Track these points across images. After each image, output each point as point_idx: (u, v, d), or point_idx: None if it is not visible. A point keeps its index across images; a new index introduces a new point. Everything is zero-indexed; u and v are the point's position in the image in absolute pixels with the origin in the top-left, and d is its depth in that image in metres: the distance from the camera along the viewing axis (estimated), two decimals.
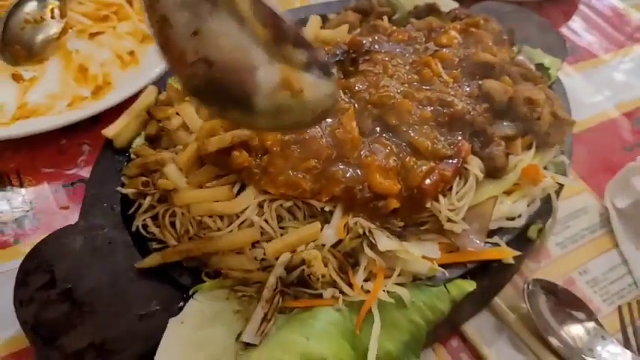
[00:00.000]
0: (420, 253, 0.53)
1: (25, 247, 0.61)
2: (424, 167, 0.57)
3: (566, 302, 0.64)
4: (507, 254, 0.57)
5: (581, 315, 0.63)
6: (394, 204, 0.54)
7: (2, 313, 0.54)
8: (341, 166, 0.55)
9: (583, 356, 0.60)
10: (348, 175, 0.54)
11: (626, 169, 0.76)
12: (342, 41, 0.65)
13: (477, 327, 0.63)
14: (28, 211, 0.64)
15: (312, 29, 0.73)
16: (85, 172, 0.68)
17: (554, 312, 0.62)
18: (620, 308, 0.66)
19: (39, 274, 0.52)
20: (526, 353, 0.62)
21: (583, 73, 0.95)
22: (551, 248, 0.71)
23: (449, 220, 0.55)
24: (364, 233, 0.53)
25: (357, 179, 0.54)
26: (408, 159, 0.57)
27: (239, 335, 0.49)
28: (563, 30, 1.00)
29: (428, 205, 0.56)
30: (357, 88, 0.60)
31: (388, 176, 0.55)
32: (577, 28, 1.03)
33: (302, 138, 0.54)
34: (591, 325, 0.63)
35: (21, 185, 0.66)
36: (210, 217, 0.54)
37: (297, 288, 0.52)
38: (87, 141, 0.71)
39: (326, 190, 0.54)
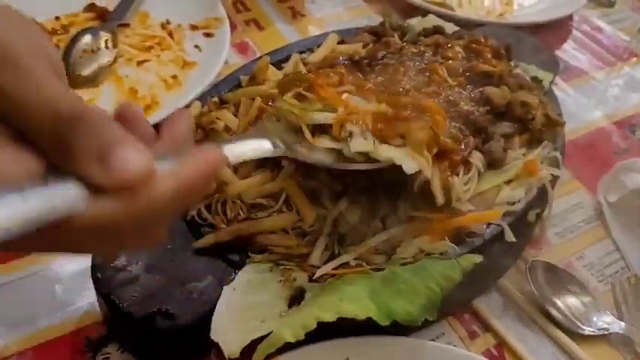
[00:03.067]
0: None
1: None
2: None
3: (565, 279, 0.72)
4: (495, 215, 0.66)
5: (577, 290, 0.72)
6: None
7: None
8: None
9: (580, 324, 0.69)
10: None
11: (616, 167, 0.85)
12: (357, 53, 0.76)
13: (487, 304, 0.71)
14: None
15: (329, 45, 0.83)
16: None
17: (554, 287, 0.71)
18: (612, 285, 0.74)
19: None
20: (530, 325, 0.70)
21: (576, 88, 1.05)
22: (550, 237, 0.80)
23: (457, 199, 0.64)
24: None
25: None
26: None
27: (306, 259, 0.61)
28: (558, 52, 1.10)
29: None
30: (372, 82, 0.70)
31: None
32: (570, 50, 1.14)
33: None
34: (587, 298, 0.71)
35: None
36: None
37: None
38: None
39: None
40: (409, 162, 0.58)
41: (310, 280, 0.61)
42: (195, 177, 0.38)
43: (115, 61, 0.91)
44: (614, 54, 1.14)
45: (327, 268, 0.62)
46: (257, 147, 0.52)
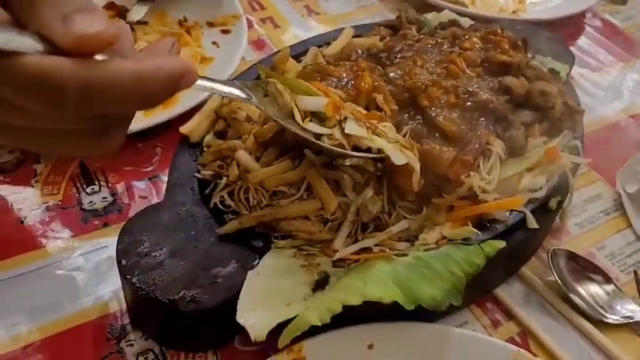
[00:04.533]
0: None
1: (113, 230, 0.71)
2: (447, 155, 0.65)
3: (586, 268, 0.72)
4: (518, 202, 0.66)
5: (600, 279, 0.71)
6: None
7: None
8: None
9: (603, 312, 0.68)
10: None
11: (633, 159, 0.85)
12: (374, 46, 0.77)
13: (509, 292, 0.71)
14: (113, 201, 0.75)
15: (345, 37, 0.84)
16: (159, 169, 0.79)
17: (576, 275, 0.71)
18: (635, 272, 0.74)
19: (134, 240, 0.62)
20: (552, 313, 0.69)
21: (591, 82, 1.05)
22: (571, 228, 0.80)
23: (483, 190, 0.65)
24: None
25: None
26: (432, 147, 0.66)
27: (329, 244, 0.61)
28: (572, 48, 1.10)
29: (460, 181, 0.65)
30: (392, 75, 0.71)
31: None
32: (584, 46, 1.14)
33: None
34: (610, 287, 0.71)
35: (106, 181, 0.77)
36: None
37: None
38: (159, 144, 0.82)
39: None
40: (398, 154, 0.59)
41: (334, 265, 0.61)
42: (155, 72, 0.37)
43: None
44: (628, 50, 1.14)
45: (349, 250, 0.62)
46: (231, 91, 0.53)
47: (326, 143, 0.57)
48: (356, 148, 0.59)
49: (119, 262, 0.60)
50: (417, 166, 0.60)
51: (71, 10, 0.34)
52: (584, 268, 0.72)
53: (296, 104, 0.57)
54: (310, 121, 0.57)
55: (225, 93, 0.52)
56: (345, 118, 0.58)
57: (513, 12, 1.16)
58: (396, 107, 0.66)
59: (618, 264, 0.76)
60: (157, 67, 0.38)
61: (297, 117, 0.57)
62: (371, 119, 0.60)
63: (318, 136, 0.57)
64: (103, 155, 0.43)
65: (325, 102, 0.58)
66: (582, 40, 1.15)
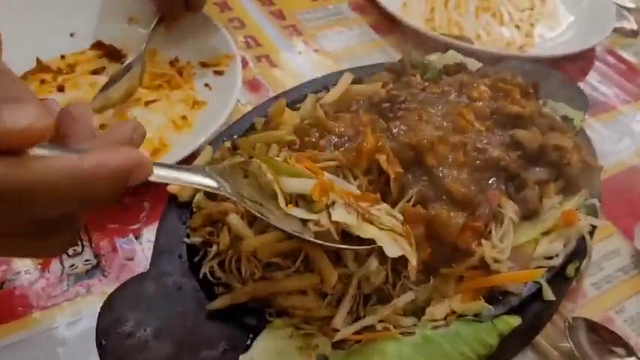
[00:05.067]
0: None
1: (97, 298, 0.66)
2: (456, 220, 0.61)
3: (606, 338, 0.66)
4: (535, 275, 0.61)
5: (621, 351, 0.66)
6: None
7: None
8: None
9: None
10: None
11: None
12: (377, 94, 0.72)
13: None
14: (97, 263, 0.70)
15: (343, 84, 0.79)
16: (147, 226, 0.74)
17: (595, 347, 0.65)
18: None
19: (116, 318, 0.57)
20: None
21: (603, 124, 1.00)
22: (587, 289, 0.74)
23: (495, 260, 0.59)
24: None
25: None
26: (440, 212, 0.61)
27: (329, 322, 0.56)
28: (581, 85, 1.05)
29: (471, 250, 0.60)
30: (395, 131, 0.66)
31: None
32: (594, 83, 1.09)
33: None
34: None
35: (89, 240, 0.72)
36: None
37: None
38: (147, 198, 0.77)
39: None
40: (392, 246, 0.54)
41: (334, 346, 0.56)
42: (96, 169, 0.35)
43: (124, 100, 0.87)
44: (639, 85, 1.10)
45: (350, 330, 0.57)
46: (200, 181, 0.48)
47: (312, 230, 0.52)
48: (346, 233, 0.54)
49: (99, 345, 0.55)
50: (413, 258, 0.55)
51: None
52: (605, 339, 0.66)
53: (279, 186, 0.53)
54: (296, 204, 0.53)
55: (192, 183, 0.47)
56: (334, 203, 0.53)
57: (520, 47, 1.11)
58: (401, 170, 0.61)
59: (638, 330, 0.71)
60: (99, 163, 0.35)
61: (281, 201, 0.52)
62: (364, 201, 0.55)
63: (305, 221, 0.53)
64: (49, 257, 0.40)
65: (312, 184, 0.54)
66: (592, 77, 1.11)
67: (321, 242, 0.53)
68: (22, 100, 0.33)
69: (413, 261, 0.55)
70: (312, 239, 0.52)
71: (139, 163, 0.37)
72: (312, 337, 0.56)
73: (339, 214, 0.53)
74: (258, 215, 0.51)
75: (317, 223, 0.52)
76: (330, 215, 0.52)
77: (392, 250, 0.53)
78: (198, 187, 0.50)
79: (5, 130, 0.31)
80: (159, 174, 0.42)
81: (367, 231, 0.53)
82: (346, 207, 0.53)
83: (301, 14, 1.16)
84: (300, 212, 0.53)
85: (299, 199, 0.54)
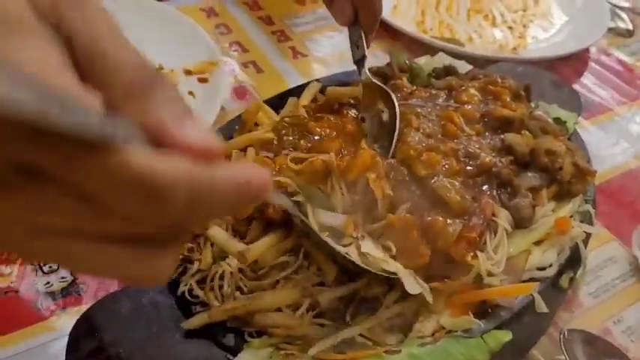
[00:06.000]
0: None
1: (72, 314, 0.64)
2: (452, 228, 0.59)
3: (603, 351, 0.64)
4: (527, 289, 0.58)
5: None
6: None
7: None
8: None
9: None
10: None
11: None
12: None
13: None
14: (73, 281, 0.67)
15: (308, 94, 0.77)
16: None
17: None
18: None
19: (88, 339, 0.54)
20: None
21: (599, 126, 0.98)
22: (583, 298, 0.72)
23: (489, 274, 0.57)
24: None
25: None
26: (436, 220, 0.59)
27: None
28: (576, 86, 1.03)
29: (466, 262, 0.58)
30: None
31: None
32: (589, 84, 1.07)
33: None
34: None
35: None
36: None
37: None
38: None
39: None
40: (413, 283, 0.56)
41: None
42: (247, 183, 0.32)
43: None
44: (637, 87, 1.07)
45: (325, 345, 0.54)
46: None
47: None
48: None
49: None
50: (429, 297, 0.56)
51: (181, 113, 0.30)
52: (602, 351, 0.64)
53: (314, 219, 0.56)
54: (327, 235, 0.56)
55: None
56: (363, 236, 0.57)
57: (514, 49, 1.09)
58: (390, 192, 0.58)
59: (637, 340, 0.68)
60: (249, 178, 0.32)
61: (315, 229, 0.55)
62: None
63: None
64: (152, 281, 0.34)
65: (344, 220, 0.57)
66: (587, 78, 1.08)
67: (356, 262, 0.55)
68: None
69: (429, 298, 0.56)
70: (350, 258, 0.55)
71: (265, 182, 0.33)
72: (292, 357, 0.54)
73: (368, 247, 0.56)
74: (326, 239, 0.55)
75: (345, 254, 0.55)
76: (359, 247, 0.55)
77: (412, 287, 0.55)
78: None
79: (196, 142, 0.29)
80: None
81: (392, 266, 0.55)
82: (374, 241, 0.57)
83: (290, 19, 1.13)
84: (331, 242, 0.55)
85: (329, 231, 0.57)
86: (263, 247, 0.57)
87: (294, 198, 0.57)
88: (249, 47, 1.04)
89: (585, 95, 1.02)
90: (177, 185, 0.28)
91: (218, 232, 0.60)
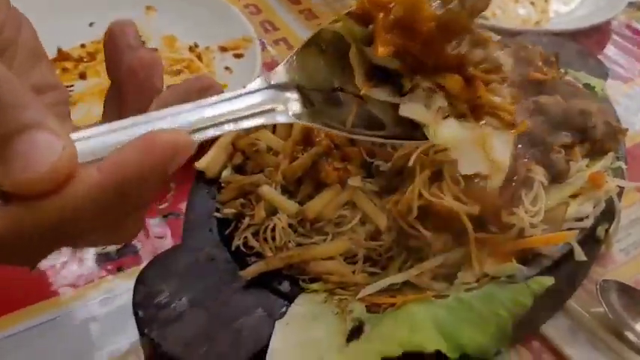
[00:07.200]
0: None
1: (128, 275, 0.67)
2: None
3: (639, 300, 0.67)
4: (568, 237, 0.60)
5: None
6: None
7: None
8: None
9: None
10: None
11: None
12: None
13: (555, 328, 0.66)
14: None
15: None
16: (174, 206, 0.74)
17: (628, 309, 0.65)
18: None
19: (150, 290, 0.58)
20: (603, 350, 0.64)
21: (623, 94, 1.00)
22: (615, 254, 0.74)
23: (532, 225, 0.59)
24: None
25: None
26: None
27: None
28: (600, 57, 1.05)
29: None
30: None
31: None
32: (613, 56, 1.09)
33: None
34: None
35: None
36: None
37: None
38: (173, 179, 0.78)
39: None
40: (469, 158, 0.46)
41: (368, 310, 0.56)
42: (131, 168, 0.30)
43: None
44: None
45: (372, 289, 0.57)
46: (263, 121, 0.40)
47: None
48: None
49: (136, 314, 0.56)
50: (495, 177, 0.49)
51: (8, 135, 0.26)
52: (636, 299, 0.66)
53: (359, 59, 0.43)
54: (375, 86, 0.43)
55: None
56: (417, 85, 0.42)
57: (536, 23, 1.11)
58: None
59: None
60: (132, 167, 0.31)
61: (359, 79, 0.43)
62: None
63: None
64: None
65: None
66: (610, 50, 1.10)
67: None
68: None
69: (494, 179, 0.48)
70: (363, 136, 0.45)
71: (175, 145, 0.32)
72: (346, 301, 0.57)
73: (413, 108, 0.43)
74: (327, 129, 0.45)
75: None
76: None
77: (468, 165, 0.46)
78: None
79: (20, 185, 0.26)
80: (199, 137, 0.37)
81: (442, 133, 0.43)
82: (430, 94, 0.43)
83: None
84: (382, 94, 0.43)
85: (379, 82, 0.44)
86: (322, 203, 0.60)
87: None
88: (279, 25, 1.07)
89: (608, 66, 1.04)
90: (24, 237, 0.28)
91: (267, 190, 0.63)
